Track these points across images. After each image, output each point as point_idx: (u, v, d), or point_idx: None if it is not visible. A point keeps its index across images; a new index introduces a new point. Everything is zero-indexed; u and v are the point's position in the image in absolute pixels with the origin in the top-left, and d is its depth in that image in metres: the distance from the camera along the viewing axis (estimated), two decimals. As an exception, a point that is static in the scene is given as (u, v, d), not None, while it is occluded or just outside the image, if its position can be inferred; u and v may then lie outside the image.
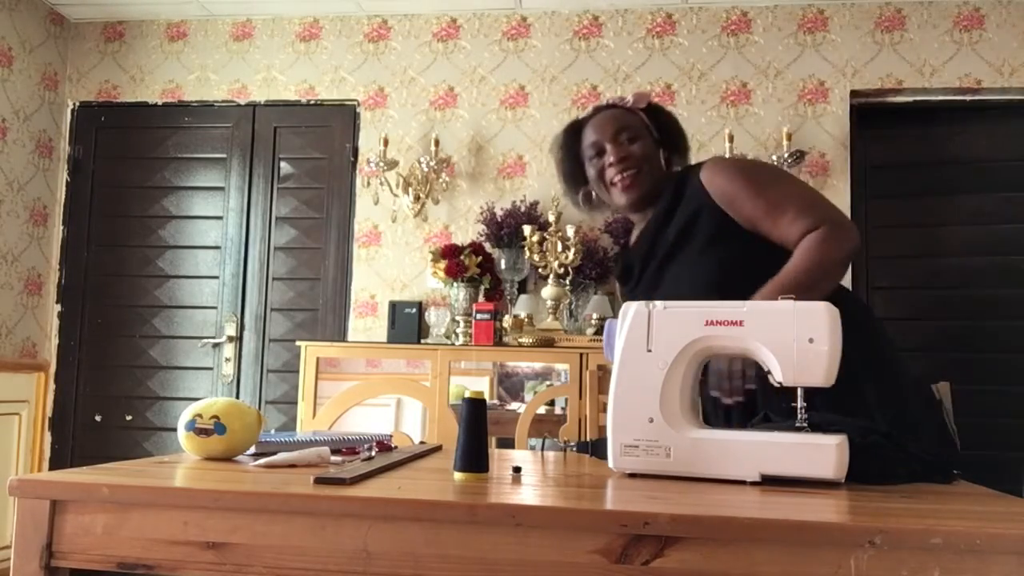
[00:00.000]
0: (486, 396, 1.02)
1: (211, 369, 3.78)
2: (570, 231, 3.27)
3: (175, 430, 1.19)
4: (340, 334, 3.67)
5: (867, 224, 3.58)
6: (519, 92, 3.71)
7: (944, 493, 0.99)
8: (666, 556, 0.76)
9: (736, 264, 1.45)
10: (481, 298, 3.39)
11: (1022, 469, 3.15)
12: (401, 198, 3.64)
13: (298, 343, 3.20)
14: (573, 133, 1.69)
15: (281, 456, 1.07)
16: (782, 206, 1.44)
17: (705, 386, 1.30)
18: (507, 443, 3.05)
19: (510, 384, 3.61)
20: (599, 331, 3.16)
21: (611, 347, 1.12)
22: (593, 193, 1.70)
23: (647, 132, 1.63)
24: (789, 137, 3.42)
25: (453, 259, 3.35)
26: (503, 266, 3.46)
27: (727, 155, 3.39)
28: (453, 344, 3.18)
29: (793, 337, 1.04)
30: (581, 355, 3.00)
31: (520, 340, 3.08)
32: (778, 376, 1.05)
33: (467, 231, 3.64)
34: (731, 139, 3.42)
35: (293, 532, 0.81)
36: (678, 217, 1.53)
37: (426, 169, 3.58)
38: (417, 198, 3.61)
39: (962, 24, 3.51)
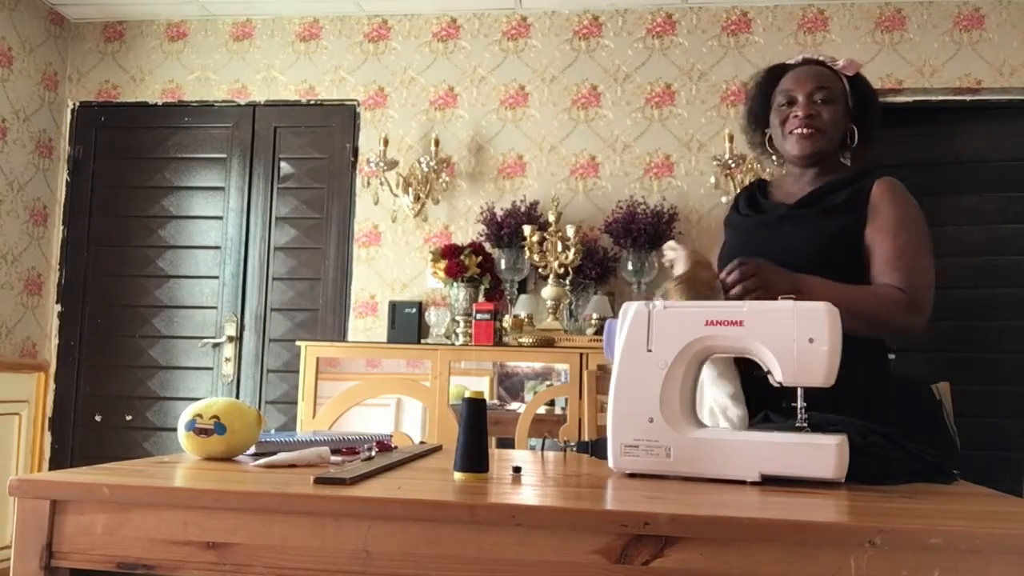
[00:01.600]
0: (486, 396, 1.02)
1: (211, 369, 3.78)
2: (570, 231, 3.27)
3: (175, 430, 1.19)
4: (340, 334, 3.67)
5: (867, 224, 3.58)
6: (519, 92, 3.71)
7: (944, 493, 0.99)
8: (666, 556, 0.76)
9: (840, 262, 1.53)
10: (481, 298, 3.39)
11: (1022, 469, 3.15)
12: (401, 198, 3.64)
13: (298, 343, 3.20)
14: (772, 75, 1.70)
15: (281, 456, 1.07)
16: (903, 257, 1.52)
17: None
18: (507, 443, 3.05)
19: (510, 384, 3.61)
20: (599, 331, 3.16)
21: (611, 347, 1.12)
22: (767, 138, 1.71)
23: (843, 99, 1.64)
24: (789, 137, 3.41)
25: (453, 259, 3.35)
26: (503, 266, 3.46)
27: (726, 155, 3.39)
28: (453, 344, 3.18)
29: (793, 337, 1.04)
30: (581, 355, 3.00)
31: (520, 340, 3.08)
32: (778, 376, 1.05)
33: (467, 231, 3.64)
34: (731, 139, 3.42)
35: (293, 532, 0.81)
36: (838, 199, 1.59)
37: (426, 169, 3.58)
38: (417, 198, 3.62)
39: (962, 24, 3.51)
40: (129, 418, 3.79)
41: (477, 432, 0.99)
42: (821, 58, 1.67)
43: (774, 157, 1.75)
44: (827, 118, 1.61)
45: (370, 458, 1.11)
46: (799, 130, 1.61)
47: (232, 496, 0.84)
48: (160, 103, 3.95)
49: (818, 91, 1.60)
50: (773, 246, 1.52)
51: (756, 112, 1.72)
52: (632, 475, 1.05)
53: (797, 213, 1.61)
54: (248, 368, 3.76)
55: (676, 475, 1.03)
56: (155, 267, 3.86)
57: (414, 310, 3.24)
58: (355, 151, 3.78)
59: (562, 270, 3.28)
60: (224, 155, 3.89)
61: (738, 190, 3.41)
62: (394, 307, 3.27)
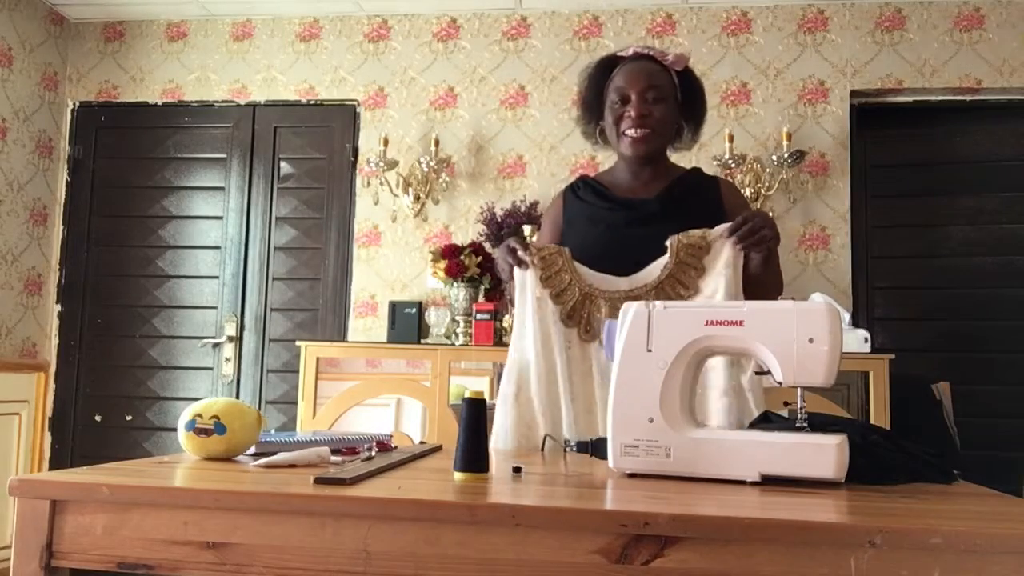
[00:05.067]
0: (486, 396, 1.02)
1: (211, 369, 3.78)
2: (570, 231, 3.26)
3: (175, 430, 1.19)
4: (340, 334, 3.67)
5: (867, 224, 3.58)
6: (519, 92, 3.71)
7: (944, 493, 0.99)
8: (666, 556, 0.76)
9: None
10: (481, 298, 3.39)
11: (1022, 469, 3.15)
12: (401, 198, 3.64)
13: (298, 343, 3.20)
14: (604, 67, 1.72)
15: (281, 456, 1.07)
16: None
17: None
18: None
19: (510, 384, 3.60)
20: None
21: (611, 347, 1.12)
22: (600, 130, 1.74)
23: (673, 95, 1.67)
24: (789, 137, 3.42)
25: (453, 259, 3.35)
26: (503, 266, 3.45)
27: (726, 155, 3.40)
28: (453, 344, 3.18)
29: (793, 337, 1.04)
30: (581, 355, 3.00)
31: (520, 340, 3.08)
32: (778, 376, 1.05)
33: (467, 231, 3.64)
34: (731, 139, 3.42)
35: (293, 532, 0.81)
36: (696, 200, 1.67)
37: (426, 169, 3.58)
38: (417, 198, 3.61)
39: (962, 24, 3.51)
40: (129, 418, 3.79)
41: (477, 432, 0.99)
42: (651, 52, 1.69)
43: (605, 147, 1.80)
44: (659, 116, 1.65)
45: (370, 458, 1.11)
46: (632, 131, 1.64)
47: (232, 496, 0.84)
48: (160, 103, 3.95)
49: (650, 90, 1.63)
50: (648, 241, 1.57)
51: (589, 103, 1.74)
52: (632, 475, 1.05)
53: (661, 210, 1.65)
54: (248, 368, 3.76)
55: (676, 475, 1.03)
56: (155, 267, 3.86)
57: (414, 310, 3.24)
58: (355, 151, 3.78)
59: (562, 270, 3.27)
60: (224, 155, 3.89)
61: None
62: (394, 307, 3.27)
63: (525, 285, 1.58)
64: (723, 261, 1.51)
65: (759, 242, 1.48)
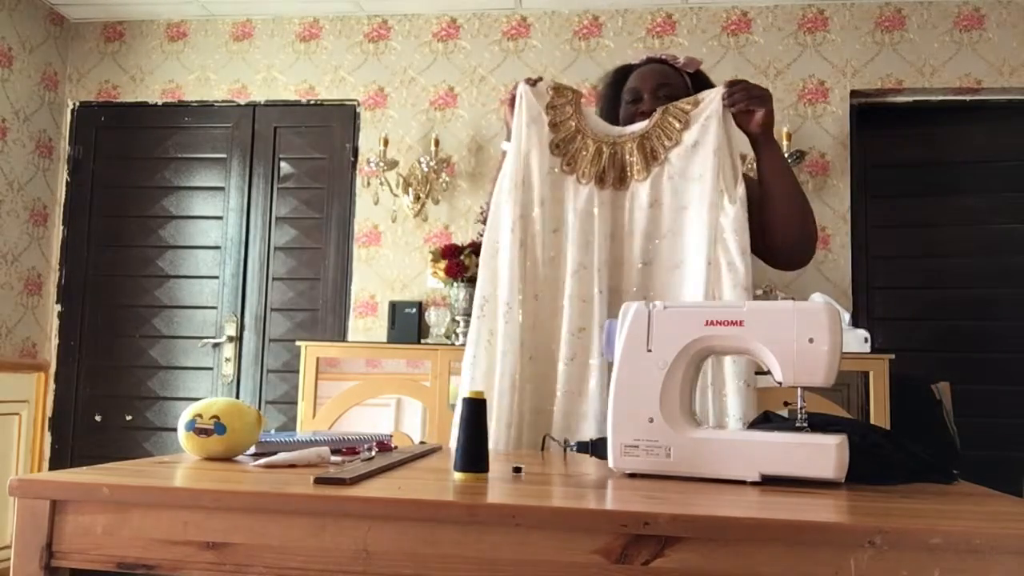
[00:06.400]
0: (486, 396, 1.02)
1: (211, 369, 3.78)
2: (570, 231, 3.26)
3: (175, 430, 1.19)
4: (340, 334, 3.67)
5: (867, 224, 3.58)
6: (519, 92, 3.70)
7: (944, 493, 0.99)
8: (666, 556, 0.76)
9: None
10: (481, 298, 3.38)
11: (1022, 469, 3.15)
12: (401, 198, 3.64)
13: (298, 343, 3.20)
14: (620, 76, 1.74)
15: (281, 456, 1.07)
16: None
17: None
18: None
19: (510, 384, 3.60)
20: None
21: (611, 347, 1.12)
22: None
23: (686, 95, 1.67)
24: (789, 137, 3.42)
25: (453, 259, 3.35)
26: (503, 266, 3.45)
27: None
28: (453, 344, 3.18)
29: (793, 337, 1.04)
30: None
31: (520, 340, 3.08)
32: (778, 376, 1.05)
33: (467, 231, 3.64)
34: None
35: (293, 532, 0.81)
36: None
37: (426, 169, 3.58)
38: (417, 198, 3.61)
39: (962, 24, 3.51)
40: (129, 418, 3.79)
41: (477, 432, 0.99)
42: (663, 56, 1.72)
43: None
44: None
45: (370, 458, 1.11)
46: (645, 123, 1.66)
47: (232, 496, 0.84)
48: (160, 103, 3.95)
49: (661, 87, 1.65)
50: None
51: (607, 111, 1.76)
52: (632, 475, 1.05)
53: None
54: (248, 368, 3.76)
55: (676, 475, 1.03)
56: (155, 267, 3.86)
57: (414, 310, 3.24)
58: (355, 151, 3.78)
59: (562, 270, 3.27)
60: (224, 155, 3.89)
61: None
62: (394, 307, 3.27)
63: (522, 109, 1.59)
64: (706, 113, 1.54)
65: (749, 99, 1.52)
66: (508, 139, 1.64)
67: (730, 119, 1.55)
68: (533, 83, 1.61)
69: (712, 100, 1.54)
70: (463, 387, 1.57)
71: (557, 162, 1.57)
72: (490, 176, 1.74)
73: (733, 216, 1.49)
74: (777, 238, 1.56)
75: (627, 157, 1.56)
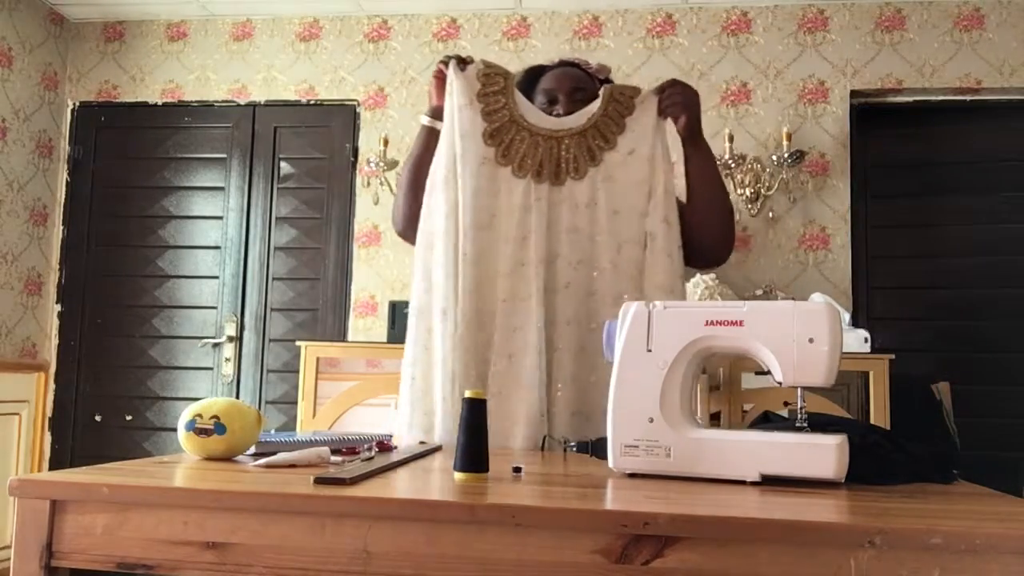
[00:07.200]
0: (486, 396, 1.02)
1: (211, 369, 3.78)
2: (570, 231, 3.26)
3: (175, 430, 1.19)
4: (340, 334, 3.67)
5: (867, 224, 3.59)
6: (519, 92, 3.70)
7: (944, 493, 0.99)
8: (666, 556, 0.76)
9: None
10: (481, 298, 3.38)
11: (1022, 469, 3.15)
12: (401, 198, 3.64)
13: (298, 343, 3.20)
14: (531, 77, 1.73)
15: (281, 456, 1.06)
16: None
17: None
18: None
19: (510, 384, 3.60)
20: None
21: (611, 347, 1.12)
22: None
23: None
24: (789, 137, 3.42)
25: (453, 259, 3.35)
26: (503, 266, 3.45)
27: (726, 155, 3.40)
28: (453, 344, 3.18)
29: (793, 337, 1.04)
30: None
31: (520, 340, 3.08)
32: (778, 376, 1.05)
33: (467, 231, 3.63)
34: (731, 139, 3.42)
35: (293, 532, 0.81)
36: None
37: (426, 169, 3.58)
38: (417, 198, 3.61)
39: (962, 24, 3.51)
40: (129, 418, 3.79)
41: (477, 432, 0.99)
42: (577, 60, 1.73)
43: None
44: None
45: (370, 458, 1.11)
46: None
47: (232, 496, 0.84)
48: (160, 103, 3.95)
49: (577, 91, 1.64)
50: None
51: None
52: (632, 475, 1.05)
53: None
54: (248, 368, 3.76)
55: (676, 475, 1.03)
56: (155, 267, 3.86)
57: (414, 310, 3.23)
58: (355, 151, 3.78)
59: (562, 270, 3.27)
60: (224, 155, 3.89)
61: (738, 190, 3.41)
62: (394, 307, 3.27)
63: (453, 92, 1.55)
64: (642, 120, 1.54)
65: (673, 104, 1.54)
66: (429, 115, 1.63)
67: (664, 126, 1.56)
68: (463, 65, 1.57)
69: (648, 107, 1.56)
70: (403, 387, 1.56)
71: (491, 152, 1.53)
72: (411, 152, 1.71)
73: (662, 220, 1.51)
74: (695, 238, 1.57)
75: (563, 153, 1.54)
